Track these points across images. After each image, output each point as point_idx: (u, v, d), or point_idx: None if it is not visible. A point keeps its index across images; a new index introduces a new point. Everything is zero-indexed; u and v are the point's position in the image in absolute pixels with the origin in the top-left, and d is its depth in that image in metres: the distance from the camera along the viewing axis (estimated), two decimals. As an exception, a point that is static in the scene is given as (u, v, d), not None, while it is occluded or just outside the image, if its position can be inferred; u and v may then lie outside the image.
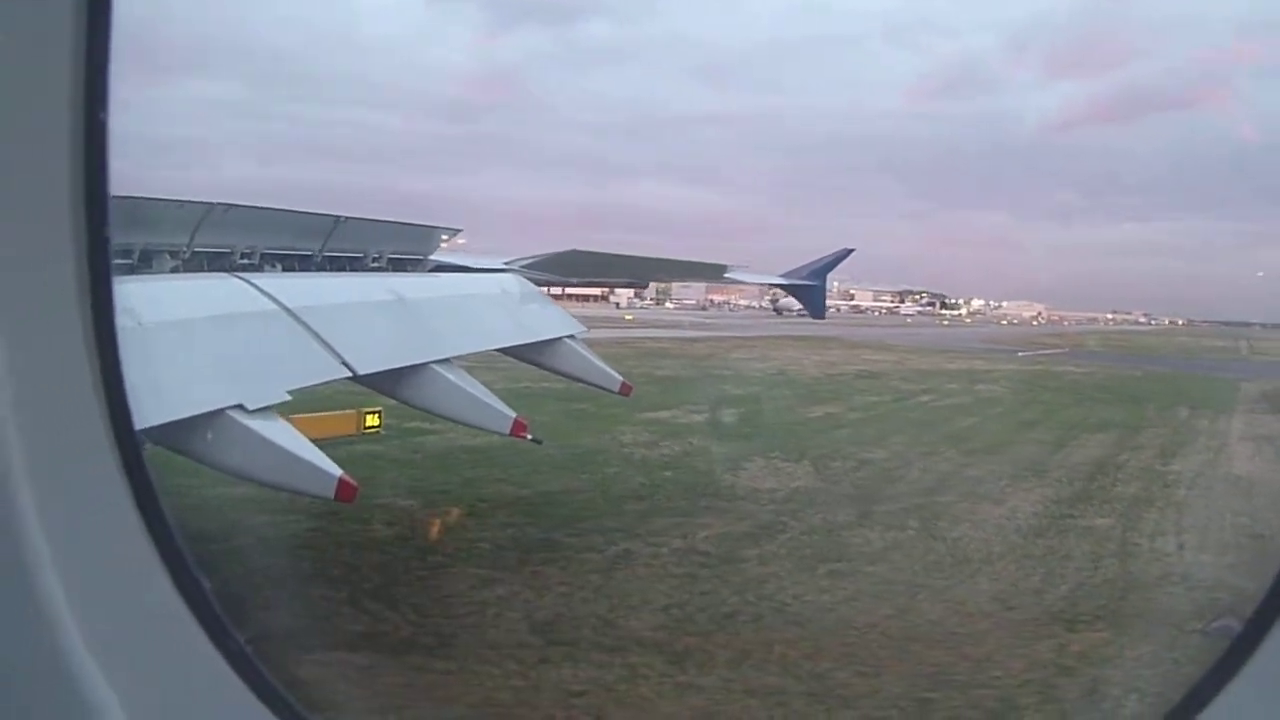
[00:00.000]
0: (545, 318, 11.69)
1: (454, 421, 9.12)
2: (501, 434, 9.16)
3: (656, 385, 25.12)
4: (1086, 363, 42.61)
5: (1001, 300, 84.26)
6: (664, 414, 22.57)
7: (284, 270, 9.85)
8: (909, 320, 66.29)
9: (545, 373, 11.68)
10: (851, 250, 17.91)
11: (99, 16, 1.42)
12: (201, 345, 6.15)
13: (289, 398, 6.15)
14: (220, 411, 5.64)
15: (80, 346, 1.39)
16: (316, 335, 7.08)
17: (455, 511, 13.32)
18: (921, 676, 8.29)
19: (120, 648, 1.32)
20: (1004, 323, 78.91)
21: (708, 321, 52.64)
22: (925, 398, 28.42)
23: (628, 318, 46.28)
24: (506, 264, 12.45)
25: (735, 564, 11.14)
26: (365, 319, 8.37)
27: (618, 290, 43.63)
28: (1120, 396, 31.31)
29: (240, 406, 5.73)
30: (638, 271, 16.01)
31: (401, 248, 11.81)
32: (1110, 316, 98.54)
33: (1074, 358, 45.11)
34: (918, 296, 70.00)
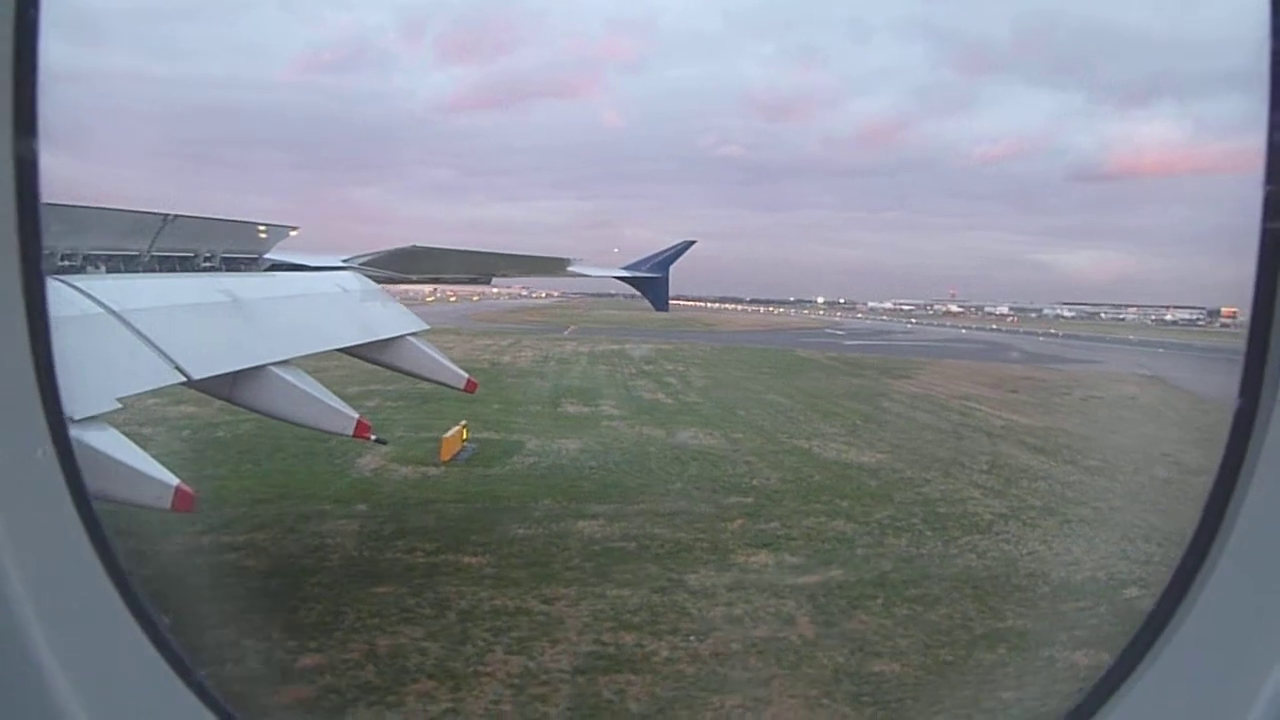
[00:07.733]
0: (386, 315, 11.62)
1: (294, 424, 9.00)
2: (345, 435, 9.15)
3: (501, 383, 27.66)
4: (653, 340, 46.78)
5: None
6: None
7: (108, 271, 9.26)
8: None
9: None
10: (693, 242, 18.58)
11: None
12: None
13: (119, 405, 5.98)
14: None
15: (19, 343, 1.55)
16: (146, 339, 6.87)
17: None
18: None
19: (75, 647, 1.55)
20: (429, 300, 79.77)
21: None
22: (697, 374, 34.25)
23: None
24: (345, 261, 12.24)
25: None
26: (198, 321, 8.13)
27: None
28: (801, 367, 38.45)
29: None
30: (480, 266, 16.10)
31: (234, 246, 11.37)
32: (495, 290, 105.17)
33: (606, 334, 50.47)
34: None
